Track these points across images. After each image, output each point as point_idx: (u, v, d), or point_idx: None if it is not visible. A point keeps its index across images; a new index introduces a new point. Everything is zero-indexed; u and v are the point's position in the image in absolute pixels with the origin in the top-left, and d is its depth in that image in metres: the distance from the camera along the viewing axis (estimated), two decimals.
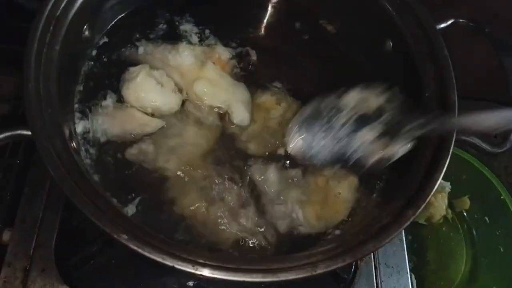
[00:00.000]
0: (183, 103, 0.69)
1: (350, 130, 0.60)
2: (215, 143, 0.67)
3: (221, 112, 0.69)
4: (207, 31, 0.76)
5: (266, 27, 0.80)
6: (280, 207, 0.62)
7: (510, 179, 1.16)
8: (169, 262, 0.45)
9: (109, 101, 0.67)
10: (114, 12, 0.72)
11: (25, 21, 0.79)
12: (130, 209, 0.60)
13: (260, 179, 0.64)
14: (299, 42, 0.79)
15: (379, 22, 0.70)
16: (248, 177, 0.64)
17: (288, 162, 0.66)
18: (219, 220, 0.59)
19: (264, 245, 0.59)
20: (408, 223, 0.51)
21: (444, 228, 1.06)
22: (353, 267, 0.75)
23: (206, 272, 0.45)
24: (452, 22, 0.68)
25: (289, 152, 0.64)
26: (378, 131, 0.59)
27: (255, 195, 0.63)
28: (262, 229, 0.60)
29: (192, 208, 0.60)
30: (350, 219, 0.62)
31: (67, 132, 0.56)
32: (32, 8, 0.58)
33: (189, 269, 0.45)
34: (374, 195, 0.63)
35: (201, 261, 0.46)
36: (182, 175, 0.63)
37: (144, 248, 0.45)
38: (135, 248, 0.45)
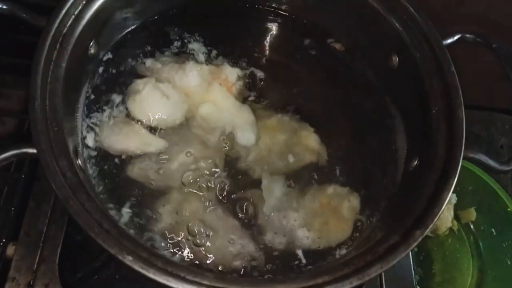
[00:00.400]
0: (188, 121, 0.69)
1: None
2: (220, 162, 0.66)
3: (226, 133, 0.69)
4: (214, 51, 0.76)
5: (273, 46, 0.79)
6: (282, 226, 0.61)
7: None
8: (173, 284, 0.45)
9: (116, 115, 0.67)
10: (121, 28, 0.72)
11: (34, 36, 0.81)
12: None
13: (262, 198, 0.63)
14: (306, 59, 0.79)
15: (386, 37, 0.70)
16: (251, 197, 0.63)
17: (290, 181, 0.66)
18: (221, 240, 0.59)
19: (265, 265, 0.58)
20: (416, 243, 0.50)
21: (450, 240, 1.05)
22: None
23: None
24: (459, 38, 0.68)
25: None
26: None
27: (257, 214, 0.63)
28: (264, 248, 0.60)
29: (194, 228, 0.60)
30: (356, 236, 0.62)
31: (72, 149, 0.56)
32: (38, 24, 0.57)
33: None
34: (380, 213, 0.63)
35: (206, 283, 0.46)
36: (184, 195, 0.63)
37: (148, 269, 0.45)
38: (140, 270, 0.45)
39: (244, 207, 0.63)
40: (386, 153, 0.69)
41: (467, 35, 0.68)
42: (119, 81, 0.70)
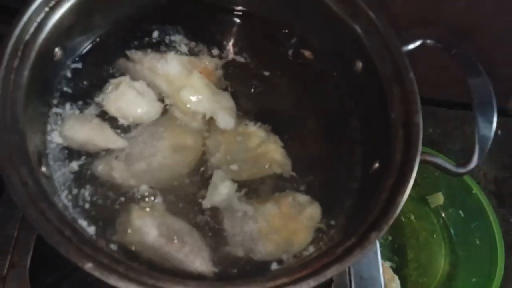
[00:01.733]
0: (168, 110, 0.71)
1: None
2: (187, 167, 0.67)
3: (206, 118, 0.71)
4: (193, 43, 0.78)
5: (247, 48, 0.80)
6: (238, 235, 0.62)
7: (489, 187, 1.20)
8: None
9: (86, 112, 0.68)
10: (91, 32, 0.72)
11: None
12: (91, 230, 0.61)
13: (221, 206, 0.64)
14: (279, 64, 0.80)
15: (349, 43, 0.71)
16: (210, 204, 0.64)
17: (247, 189, 0.67)
18: (178, 246, 0.59)
19: (222, 272, 0.59)
20: (370, 245, 0.52)
21: (422, 226, 1.10)
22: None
23: None
24: (420, 43, 0.69)
25: None
26: None
27: (215, 222, 0.64)
28: (222, 256, 0.61)
29: (154, 234, 0.60)
30: (314, 243, 0.63)
31: (36, 155, 0.56)
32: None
33: None
34: (340, 220, 0.64)
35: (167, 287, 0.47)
36: (149, 196, 0.64)
37: (109, 276, 0.46)
38: (101, 276, 0.46)
39: (202, 214, 0.63)
40: (349, 159, 0.71)
41: (428, 41, 0.69)
42: (92, 82, 0.71)
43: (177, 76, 0.71)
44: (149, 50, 0.74)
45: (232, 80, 0.76)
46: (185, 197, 0.65)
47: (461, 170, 0.62)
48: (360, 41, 0.69)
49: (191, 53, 0.77)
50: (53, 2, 0.61)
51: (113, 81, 0.70)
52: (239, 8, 0.82)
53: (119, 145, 0.66)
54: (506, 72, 1.05)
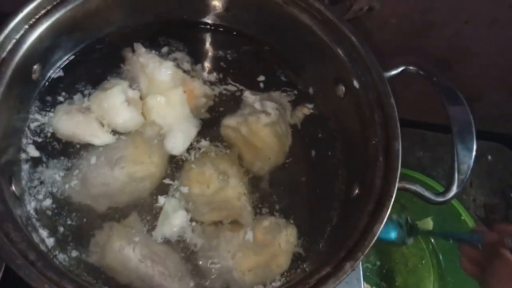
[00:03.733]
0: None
1: None
2: (148, 191, 0.65)
3: (161, 133, 0.68)
4: (196, 65, 0.77)
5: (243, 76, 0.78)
6: (215, 264, 0.60)
7: (479, 212, 1.19)
8: None
9: (74, 102, 0.67)
10: (73, 48, 0.72)
11: None
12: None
13: (173, 239, 0.61)
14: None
15: (334, 67, 0.71)
16: (160, 235, 0.61)
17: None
18: (159, 272, 0.58)
19: None
20: (345, 276, 0.51)
21: (411, 251, 1.10)
22: None
23: None
24: (402, 70, 0.69)
25: None
26: None
27: (189, 252, 0.62)
28: (199, 283, 0.59)
29: (135, 257, 0.58)
30: (292, 270, 0.62)
31: (6, 175, 0.55)
32: None
33: None
34: (318, 245, 0.63)
35: None
36: (108, 223, 0.62)
37: None
38: None
39: (173, 244, 0.61)
40: (330, 183, 0.70)
41: (410, 68, 0.69)
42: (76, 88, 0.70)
43: (162, 83, 0.69)
44: (153, 51, 0.73)
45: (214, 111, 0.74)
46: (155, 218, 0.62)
47: (440, 199, 0.61)
48: (343, 65, 0.68)
49: (190, 73, 0.75)
50: (33, 20, 0.61)
51: (111, 80, 0.69)
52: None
53: (104, 140, 0.64)
54: (495, 97, 1.05)
